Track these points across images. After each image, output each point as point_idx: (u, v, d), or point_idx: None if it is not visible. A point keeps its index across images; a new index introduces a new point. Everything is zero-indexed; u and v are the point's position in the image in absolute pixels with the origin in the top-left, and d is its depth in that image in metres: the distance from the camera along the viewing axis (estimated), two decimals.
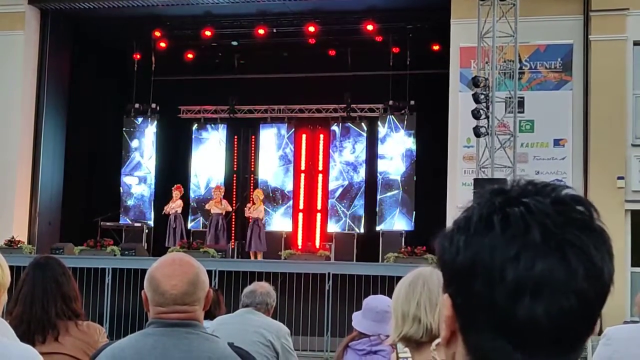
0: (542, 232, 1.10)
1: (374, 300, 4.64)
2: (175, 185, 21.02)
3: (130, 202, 23.92)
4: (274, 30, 22.08)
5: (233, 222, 23.00)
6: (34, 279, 4.02)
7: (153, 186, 23.84)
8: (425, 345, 2.54)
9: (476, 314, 1.12)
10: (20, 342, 2.66)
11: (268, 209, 22.50)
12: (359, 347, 4.60)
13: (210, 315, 5.57)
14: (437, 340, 2.41)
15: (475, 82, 16.50)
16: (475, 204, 1.16)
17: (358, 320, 4.64)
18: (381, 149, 22.74)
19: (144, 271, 2.96)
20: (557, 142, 17.77)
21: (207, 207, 21.36)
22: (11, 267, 2.83)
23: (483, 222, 1.13)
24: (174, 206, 20.65)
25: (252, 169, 24.23)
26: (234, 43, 23.03)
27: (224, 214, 20.74)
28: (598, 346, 4.67)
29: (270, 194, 23.52)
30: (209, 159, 24.27)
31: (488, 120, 16.46)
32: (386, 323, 4.45)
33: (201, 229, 22.32)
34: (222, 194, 21.00)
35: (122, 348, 2.76)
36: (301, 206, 23.60)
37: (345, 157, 23.56)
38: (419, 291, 2.58)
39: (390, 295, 3.25)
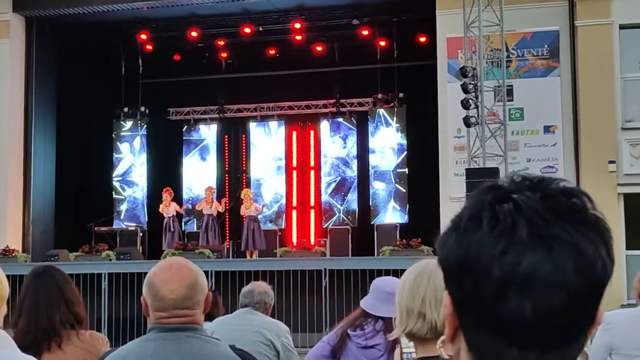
0: (529, 228, 1.09)
1: (381, 281, 4.72)
2: (164, 188, 20.98)
3: (123, 206, 23.88)
4: (260, 29, 22.07)
5: (227, 222, 22.97)
6: (36, 289, 3.98)
7: (146, 189, 23.79)
8: (430, 342, 2.51)
9: (470, 311, 1.13)
10: (22, 352, 2.64)
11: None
12: (357, 340, 4.62)
13: (209, 316, 5.55)
14: (443, 337, 2.42)
15: (463, 72, 16.53)
16: (468, 202, 1.17)
17: (365, 298, 4.71)
18: (372, 143, 22.73)
19: (140, 275, 2.96)
20: (547, 129, 17.80)
21: (197, 207, 21.39)
22: (7, 277, 2.83)
23: (473, 220, 1.13)
24: (171, 210, 20.62)
25: (244, 168, 24.20)
26: (221, 42, 23.00)
27: (215, 214, 20.72)
28: (597, 331, 4.67)
29: (263, 192, 23.51)
30: (200, 159, 24.25)
31: (478, 110, 16.49)
32: (387, 304, 4.47)
33: (195, 230, 22.30)
34: (214, 194, 20.99)
35: (123, 355, 2.75)
36: (294, 203, 23.60)
37: (337, 152, 23.55)
38: (424, 287, 2.54)
39: None
